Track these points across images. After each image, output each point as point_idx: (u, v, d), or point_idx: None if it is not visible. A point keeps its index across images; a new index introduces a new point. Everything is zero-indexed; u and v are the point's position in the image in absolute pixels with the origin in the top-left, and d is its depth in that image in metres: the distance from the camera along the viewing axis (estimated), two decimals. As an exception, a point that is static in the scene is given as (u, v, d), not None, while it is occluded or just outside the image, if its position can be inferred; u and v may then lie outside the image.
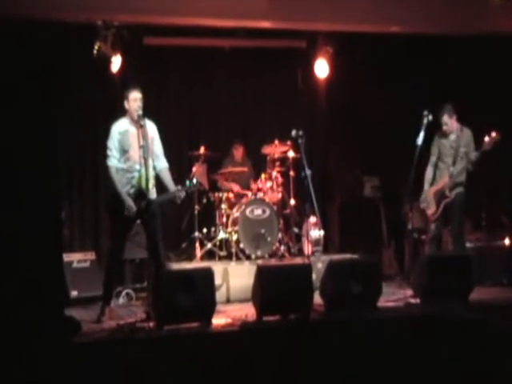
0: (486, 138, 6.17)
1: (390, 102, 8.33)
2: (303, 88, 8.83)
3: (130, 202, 5.46)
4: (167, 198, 5.66)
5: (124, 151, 5.54)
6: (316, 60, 8.43)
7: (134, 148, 5.54)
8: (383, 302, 5.77)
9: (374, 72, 8.50)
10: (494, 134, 6.14)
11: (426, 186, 6.55)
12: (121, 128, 5.61)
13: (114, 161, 5.55)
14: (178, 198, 5.55)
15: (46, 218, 4.68)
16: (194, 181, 5.59)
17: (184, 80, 8.46)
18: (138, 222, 5.77)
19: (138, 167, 5.53)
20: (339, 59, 8.41)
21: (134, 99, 5.58)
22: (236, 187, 7.73)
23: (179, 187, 5.56)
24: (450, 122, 6.46)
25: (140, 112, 5.55)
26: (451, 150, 6.43)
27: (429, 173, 6.54)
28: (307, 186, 6.27)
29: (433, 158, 6.57)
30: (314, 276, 5.71)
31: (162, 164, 5.75)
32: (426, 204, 6.51)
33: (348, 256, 7.20)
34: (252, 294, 5.55)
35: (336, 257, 7.19)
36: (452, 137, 6.51)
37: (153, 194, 5.66)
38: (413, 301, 5.86)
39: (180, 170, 8.04)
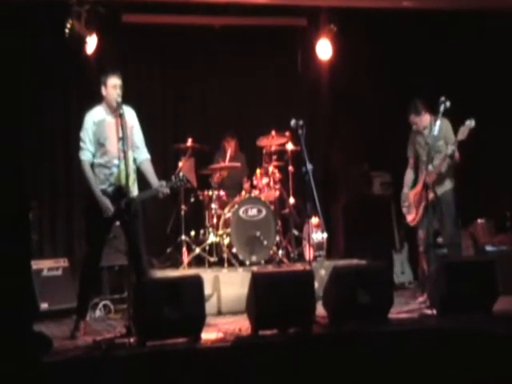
0: (462, 128, 6.21)
1: (401, 87, 8.34)
2: (303, 72, 8.85)
3: (106, 203, 5.42)
4: (149, 194, 5.62)
5: (100, 144, 5.50)
6: (318, 40, 8.43)
7: (112, 140, 5.50)
8: (395, 314, 5.77)
9: (383, 54, 8.50)
10: (468, 122, 6.19)
11: (406, 189, 6.71)
12: (96, 117, 5.56)
13: (87, 154, 5.51)
14: (161, 193, 5.51)
15: (11, 220, 4.64)
16: (181, 175, 5.56)
17: (168, 63, 8.45)
18: (117, 223, 5.75)
19: (116, 162, 5.49)
20: (344, 39, 8.42)
21: (113, 86, 5.54)
22: (223, 193, 7.69)
23: (163, 182, 5.53)
24: (418, 119, 6.58)
25: (119, 100, 5.50)
26: (427, 146, 6.47)
27: (408, 175, 6.70)
28: (308, 182, 6.23)
29: (410, 161, 6.75)
30: (316, 284, 5.69)
31: (143, 155, 5.72)
32: (406, 209, 6.66)
33: (354, 261, 7.20)
34: (246, 304, 5.53)
35: (341, 262, 7.22)
36: (426, 132, 6.58)
37: (134, 191, 5.62)
38: (429, 312, 5.85)
39: (164, 165, 8.05)
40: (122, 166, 5.41)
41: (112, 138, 5.51)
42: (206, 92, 8.62)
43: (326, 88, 8.88)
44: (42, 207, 7.62)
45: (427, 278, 6.31)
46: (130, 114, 5.67)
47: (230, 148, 8.11)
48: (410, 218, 6.63)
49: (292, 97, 8.72)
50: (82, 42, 7.36)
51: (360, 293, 5.47)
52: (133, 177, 5.62)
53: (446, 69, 8.16)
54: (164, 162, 8.12)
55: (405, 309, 6.14)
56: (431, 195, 6.38)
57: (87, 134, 5.52)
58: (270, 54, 8.67)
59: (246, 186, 7.89)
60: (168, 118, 8.53)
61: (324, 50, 8.50)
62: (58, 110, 7.84)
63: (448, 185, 6.48)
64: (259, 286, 5.35)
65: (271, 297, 5.28)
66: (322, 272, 6.83)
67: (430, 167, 6.37)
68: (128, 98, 5.69)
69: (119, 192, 5.49)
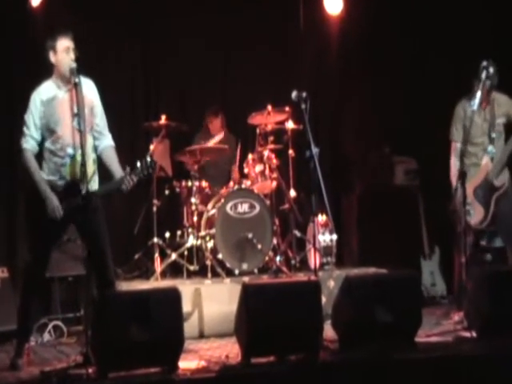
0: None
1: (431, 49, 8.34)
2: (307, 31, 8.83)
3: (53, 203, 5.38)
4: (111, 187, 5.59)
5: (50, 130, 5.46)
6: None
7: (65, 123, 5.47)
8: (423, 337, 5.77)
9: (406, 7, 8.49)
10: None
11: (456, 183, 6.60)
12: (44, 95, 5.51)
13: (31, 142, 5.48)
14: (124, 185, 5.47)
15: None
16: (149, 160, 5.51)
17: (136, 19, 8.38)
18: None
19: (70, 151, 5.45)
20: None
21: (65, 49, 5.49)
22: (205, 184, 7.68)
23: (128, 170, 5.49)
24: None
25: (74, 65, 5.46)
26: (485, 125, 6.49)
27: (455, 165, 6.58)
28: (313, 170, 6.22)
29: (457, 145, 6.64)
30: (323, 299, 5.69)
31: (106, 142, 5.69)
32: (468, 209, 6.53)
33: (372, 270, 7.20)
34: (235, 325, 5.51)
35: (355, 271, 7.23)
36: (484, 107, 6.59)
37: (93, 185, 5.60)
38: (466, 334, 5.85)
39: (132, 148, 8.09)
40: (78, 157, 5.38)
41: (66, 120, 5.47)
42: (183, 56, 8.57)
43: (335, 51, 8.90)
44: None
45: (465, 291, 6.30)
46: (89, 86, 5.63)
47: (214, 127, 8.10)
48: (477, 219, 6.54)
49: (293, 63, 8.72)
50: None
51: (379, 310, 5.45)
52: (92, 168, 5.60)
53: (490, 23, 8.15)
54: (132, 145, 8.14)
55: (436, 330, 6.14)
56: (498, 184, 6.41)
57: (33, 118, 5.48)
58: (265, 8, 8.63)
59: (235, 175, 7.86)
60: (136, 89, 8.51)
61: (333, 2, 8.47)
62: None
63: (506, 173, 6.53)
64: (252, 301, 5.33)
65: (267, 315, 5.26)
66: (331, 283, 6.84)
67: (491, 149, 6.43)
68: (85, 67, 5.60)
69: (72, 187, 5.45)
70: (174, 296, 5.25)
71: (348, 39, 8.79)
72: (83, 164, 5.30)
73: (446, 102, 7.15)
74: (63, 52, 5.48)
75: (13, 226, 7.66)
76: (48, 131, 5.46)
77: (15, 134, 7.24)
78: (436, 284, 8.01)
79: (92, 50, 7.48)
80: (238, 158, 7.99)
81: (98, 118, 5.64)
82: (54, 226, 5.49)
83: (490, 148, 6.50)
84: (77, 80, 5.43)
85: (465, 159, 6.41)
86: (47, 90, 5.52)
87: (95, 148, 5.64)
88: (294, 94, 6.49)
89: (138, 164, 5.49)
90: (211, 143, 7.96)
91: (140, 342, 5.01)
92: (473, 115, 6.36)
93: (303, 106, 6.45)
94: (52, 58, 5.52)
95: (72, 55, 5.49)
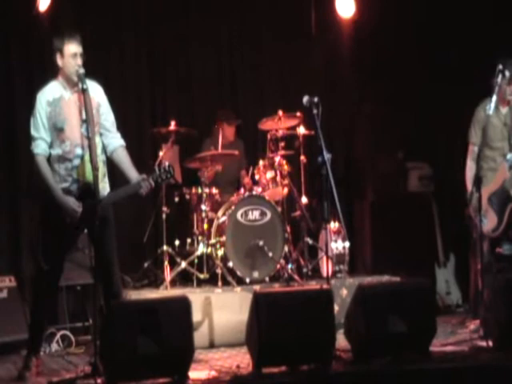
0: None
1: (446, 52, 8.33)
2: (319, 34, 8.84)
3: (70, 204, 5.39)
4: (127, 192, 5.58)
5: (58, 130, 5.48)
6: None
7: (72, 123, 5.49)
8: (438, 346, 5.77)
9: (421, 10, 8.48)
10: None
11: (471, 187, 6.57)
12: (50, 96, 5.53)
13: (42, 146, 5.48)
14: (143, 189, 5.48)
15: None
16: (167, 165, 5.54)
17: (143, 23, 8.40)
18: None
19: (79, 152, 5.48)
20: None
21: (72, 54, 5.51)
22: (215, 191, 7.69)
23: (144, 176, 5.51)
24: (509, 89, 6.48)
25: (81, 71, 5.48)
26: (504, 130, 6.46)
27: (472, 169, 6.56)
28: (326, 176, 6.22)
29: (475, 149, 6.61)
30: (336, 308, 5.70)
31: (115, 141, 5.70)
32: (482, 216, 6.47)
33: (385, 279, 7.20)
34: (246, 334, 5.52)
35: (368, 280, 7.22)
36: (503, 110, 6.56)
37: (104, 188, 5.61)
38: (483, 344, 5.83)
39: (139, 154, 8.01)
40: (87, 157, 5.41)
41: (72, 120, 5.49)
42: (193, 61, 8.59)
43: (347, 55, 8.91)
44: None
45: (481, 299, 6.28)
46: (95, 89, 5.65)
47: (225, 132, 8.08)
48: (490, 227, 6.49)
49: (304, 66, 8.72)
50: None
51: (393, 319, 5.45)
52: (102, 170, 5.60)
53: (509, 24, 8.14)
54: (139, 151, 8.06)
55: (452, 340, 6.13)
56: None
57: (40, 120, 5.49)
58: (276, 12, 8.68)
59: (246, 181, 7.87)
60: (144, 94, 8.49)
61: (345, 5, 8.49)
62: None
63: None
64: (263, 310, 5.33)
65: (278, 324, 5.27)
66: (344, 292, 6.85)
67: (510, 156, 6.40)
68: (92, 71, 5.66)
69: (84, 191, 5.46)
70: (184, 305, 5.25)
71: (361, 43, 8.78)
72: (95, 168, 5.32)
73: (460, 107, 7.17)
74: (70, 57, 5.50)
75: (17, 235, 7.65)
76: (56, 131, 5.46)
77: (16, 141, 7.38)
78: (451, 292, 7.99)
79: (98, 55, 7.50)
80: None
81: (104, 116, 5.64)
82: (69, 233, 5.52)
83: (510, 156, 6.46)
84: (85, 86, 5.45)
85: (482, 163, 6.39)
86: (53, 91, 5.54)
87: (104, 148, 5.65)
88: (305, 99, 6.48)
89: (157, 169, 5.52)
90: (220, 148, 7.94)
91: (149, 352, 5.02)
92: (488, 119, 6.34)
93: (315, 111, 6.44)
94: (59, 60, 5.54)
95: (79, 61, 5.50)
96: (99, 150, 5.57)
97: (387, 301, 5.51)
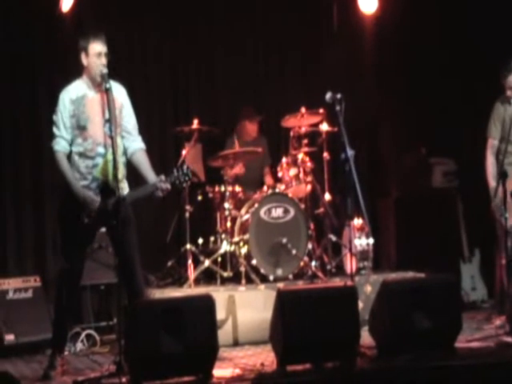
0: None
1: (470, 48, 8.29)
2: (341, 30, 8.84)
3: (88, 195, 5.43)
4: (144, 192, 5.61)
5: (80, 128, 5.52)
6: (360, -11, 8.43)
7: (95, 122, 5.53)
8: (464, 342, 5.76)
9: (445, 5, 8.44)
10: None
11: (494, 182, 6.52)
12: (74, 94, 5.58)
13: (62, 144, 5.54)
14: (160, 190, 5.50)
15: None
16: (185, 168, 5.55)
17: (166, 23, 8.43)
18: (103, 230, 5.75)
19: (101, 150, 5.52)
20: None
21: (97, 54, 5.56)
22: (238, 189, 7.70)
23: (162, 177, 5.52)
24: None
25: (105, 71, 5.52)
26: None
27: (493, 164, 6.51)
28: (349, 173, 6.21)
29: (495, 143, 6.58)
30: (360, 305, 5.70)
31: (136, 144, 5.74)
32: (503, 211, 6.43)
33: (410, 275, 7.17)
34: (270, 332, 5.53)
35: (392, 276, 7.21)
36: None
37: (124, 188, 5.64)
38: (509, 340, 5.83)
39: (162, 154, 8.09)
40: (109, 156, 5.46)
41: (95, 119, 5.54)
42: (215, 59, 8.61)
43: (369, 51, 8.89)
44: (3, 210, 7.63)
45: (507, 294, 6.25)
46: (118, 90, 5.69)
47: (249, 130, 8.09)
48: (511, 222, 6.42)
49: (326, 63, 8.67)
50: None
51: (418, 316, 5.45)
52: (122, 171, 5.64)
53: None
54: (162, 150, 8.14)
55: (477, 336, 6.11)
56: None
57: (62, 118, 5.54)
58: (297, 9, 8.66)
59: (269, 179, 7.87)
60: (167, 93, 8.51)
61: (367, 1, 8.46)
62: (22, 86, 7.81)
63: None
64: (287, 307, 5.35)
65: (303, 322, 5.28)
66: (368, 289, 6.84)
67: None
68: (115, 70, 5.70)
69: (105, 189, 5.50)
70: (207, 304, 5.28)
71: (383, 39, 8.76)
72: (115, 167, 5.37)
73: (484, 101, 7.12)
74: (95, 56, 5.55)
75: (42, 235, 7.70)
76: (78, 129, 5.50)
77: (41, 141, 7.43)
78: (476, 288, 7.94)
79: (121, 54, 7.53)
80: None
81: (127, 118, 5.69)
82: (88, 229, 5.54)
83: None
84: (108, 86, 5.48)
85: (502, 158, 6.35)
86: (77, 89, 5.59)
87: (125, 150, 5.68)
88: (328, 96, 6.45)
89: (175, 171, 5.52)
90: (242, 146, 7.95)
91: (174, 350, 5.04)
92: (506, 113, 6.30)
93: (338, 108, 6.42)
94: (83, 59, 5.59)
95: (104, 60, 5.56)
96: (120, 152, 5.60)
97: (412, 297, 5.51)
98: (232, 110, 8.37)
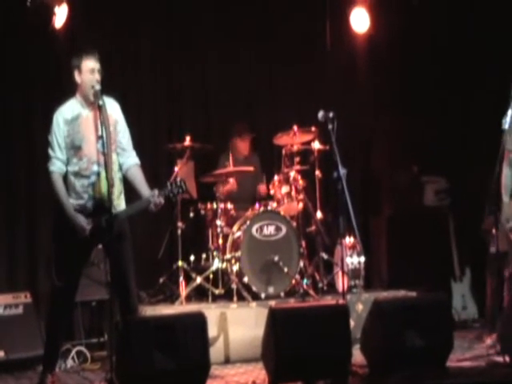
0: None
1: (461, 67, 8.33)
2: (334, 48, 8.86)
3: (79, 221, 5.42)
4: (138, 207, 5.60)
5: (75, 147, 5.50)
6: (352, 8, 8.46)
7: (89, 140, 5.52)
8: (455, 362, 5.76)
9: (434, 24, 8.51)
10: None
11: (506, 197, 6.50)
12: (68, 114, 5.57)
13: (58, 164, 5.53)
14: (153, 204, 5.51)
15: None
16: (178, 181, 5.57)
17: (160, 38, 8.46)
18: (100, 246, 5.75)
19: (95, 169, 5.50)
20: (384, 6, 8.45)
21: (90, 70, 5.56)
22: (230, 206, 7.71)
23: (156, 192, 5.53)
24: None
25: (98, 87, 5.52)
26: None
27: (508, 177, 6.50)
28: (341, 191, 6.23)
29: (511, 156, 6.55)
30: (352, 323, 5.71)
31: (130, 160, 5.73)
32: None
33: (401, 293, 7.18)
34: (262, 350, 5.54)
35: (384, 294, 7.20)
36: None
37: (120, 204, 5.64)
38: (499, 359, 5.80)
39: (155, 170, 8.06)
40: (103, 174, 5.43)
41: (89, 138, 5.53)
42: (208, 75, 8.64)
43: (362, 70, 8.92)
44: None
45: (497, 313, 6.26)
46: (112, 106, 5.69)
47: (240, 148, 8.11)
48: None
49: (319, 82, 8.73)
50: (48, 14, 7.39)
51: (410, 334, 5.46)
52: (119, 188, 5.63)
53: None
54: (155, 166, 8.11)
55: (468, 355, 6.12)
56: None
57: (56, 139, 5.53)
58: (291, 26, 8.70)
59: (261, 196, 7.87)
60: (159, 109, 8.53)
61: (360, 20, 8.52)
62: (16, 104, 7.81)
63: None
64: (279, 325, 5.35)
65: (294, 340, 5.29)
66: (360, 307, 6.84)
67: None
68: (108, 85, 5.69)
69: (101, 207, 5.49)
70: (200, 321, 5.28)
71: (375, 57, 8.79)
72: (111, 184, 5.37)
73: (476, 120, 7.15)
74: (88, 72, 5.54)
75: (34, 251, 7.68)
76: (73, 149, 5.49)
77: (34, 158, 7.43)
78: (467, 307, 7.95)
79: (113, 70, 7.55)
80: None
81: (121, 134, 5.67)
82: (82, 247, 5.52)
83: None
84: (101, 102, 5.48)
85: None
86: (71, 109, 5.57)
87: (120, 166, 5.67)
88: (320, 114, 6.49)
89: (168, 184, 5.54)
90: (233, 164, 7.97)
91: (166, 367, 5.05)
92: (505, 135, 6.30)
93: (330, 127, 6.45)
94: (77, 77, 5.59)
95: (97, 76, 5.55)
96: (116, 168, 5.60)
97: (404, 316, 5.53)
98: (224, 126, 8.37)
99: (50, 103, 5.90)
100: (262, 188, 8.04)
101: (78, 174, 5.51)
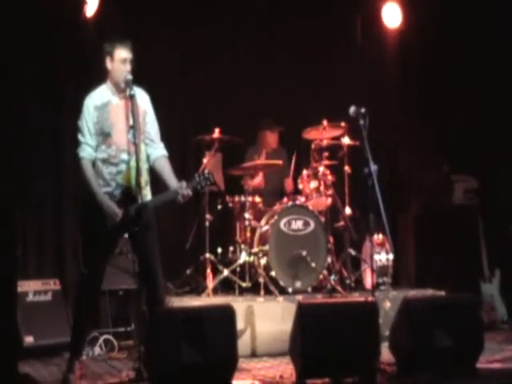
0: None
1: (493, 65, 8.28)
2: (364, 44, 8.88)
3: (112, 207, 5.44)
4: (166, 198, 5.62)
5: (104, 134, 5.52)
6: (384, 3, 8.43)
7: (119, 128, 5.54)
8: (485, 363, 5.73)
9: (469, 20, 8.46)
10: None
11: None
12: (98, 101, 5.59)
13: (88, 150, 5.54)
14: (181, 196, 5.52)
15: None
16: (206, 173, 5.59)
17: (190, 30, 8.45)
18: (125, 236, 5.76)
19: (125, 157, 5.52)
20: (418, 1, 8.46)
21: (122, 60, 5.58)
22: (258, 200, 7.73)
23: (184, 183, 5.54)
24: None
25: (129, 77, 5.54)
26: None
27: None
28: (372, 187, 6.22)
29: None
30: (379, 320, 5.65)
31: (158, 151, 5.75)
32: None
33: (429, 292, 7.18)
34: (290, 345, 5.53)
35: (412, 293, 7.20)
36: None
37: (146, 195, 5.64)
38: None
39: (183, 162, 8.11)
40: (133, 163, 5.45)
41: (119, 125, 5.54)
42: (237, 69, 8.62)
43: (393, 65, 8.92)
44: (25, 215, 7.56)
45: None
46: (142, 97, 5.70)
47: (269, 141, 8.11)
48: None
49: (349, 77, 8.71)
50: (79, 2, 7.39)
51: (439, 334, 5.45)
52: (145, 178, 5.65)
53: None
54: (182, 159, 8.15)
55: (498, 356, 6.09)
56: None
57: (86, 124, 5.54)
58: (322, 21, 8.68)
59: (289, 190, 7.88)
60: (188, 101, 8.53)
61: (392, 15, 8.50)
62: (44, 91, 7.82)
63: None
64: (307, 321, 5.34)
65: (323, 336, 5.27)
66: (387, 305, 6.86)
67: None
68: (137, 76, 5.68)
69: (128, 195, 5.51)
70: (228, 314, 5.28)
71: (407, 53, 8.77)
72: (138, 173, 5.39)
73: (507, 120, 7.11)
74: (120, 62, 5.56)
75: (62, 238, 7.73)
76: (102, 135, 5.50)
77: (62, 146, 7.47)
78: (496, 308, 7.92)
79: (143, 61, 7.56)
80: (292, 170, 8.04)
81: (150, 125, 5.69)
82: (110, 236, 5.55)
83: None
84: (132, 92, 5.50)
85: None
86: (101, 95, 5.59)
87: (148, 157, 5.69)
88: (352, 110, 6.45)
89: (196, 176, 5.55)
90: (263, 157, 7.97)
91: (193, 359, 5.05)
92: None
93: (361, 122, 6.42)
94: (108, 64, 5.60)
95: (128, 66, 5.56)
96: (144, 158, 5.62)
97: (433, 315, 5.51)
98: (253, 120, 8.36)
99: (78, 91, 5.90)
100: (289, 184, 8.05)
101: (106, 161, 5.52)
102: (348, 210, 7.76)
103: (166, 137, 5.91)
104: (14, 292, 5.42)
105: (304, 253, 7.21)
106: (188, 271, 7.59)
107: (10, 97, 7.40)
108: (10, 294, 5.16)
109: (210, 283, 7.24)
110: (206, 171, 5.62)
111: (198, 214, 7.65)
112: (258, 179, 7.85)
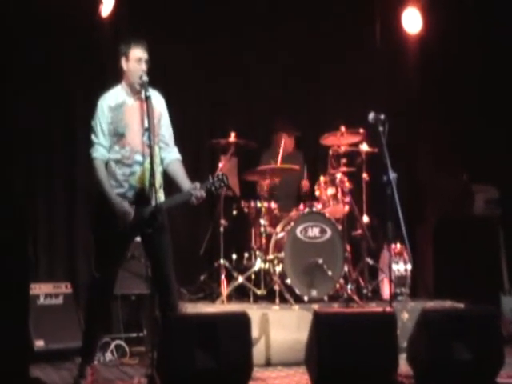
0: None
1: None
2: (383, 49, 8.85)
3: (123, 206, 5.43)
4: (179, 200, 5.59)
5: (118, 135, 5.52)
6: (404, 8, 8.42)
7: (133, 129, 5.53)
8: (505, 378, 5.68)
9: (489, 26, 8.43)
10: None
11: None
12: (113, 101, 5.58)
13: (101, 151, 5.53)
14: (194, 197, 5.48)
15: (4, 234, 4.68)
16: (220, 175, 5.56)
17: (205, 32, 8.42)
18: (137, 239, 5.75)
19: (139, 158, 5.51)
20: (438, 7, 8.38)
21: (137, 59, 5.57)
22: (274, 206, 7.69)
23: (197, 185, 5.51)
24: None
25: (145, 78, 5.53)
26: None
27: None
28: (391, 195, 6.19)
29: None
30: (397, 331, 5.61)
31: (172, 155, 5.74)
32: None
33: (448, 304, 7.14)
34: (305, 354, 5.51)
35: (431, 304, 7.16)
36: None
37: (160, 197, 5.61)
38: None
39: (198, 166, 8.09)
40: (147, 165, 5.45)
41: (134, 127, 5.53)
42: (253, 71, 8.60)
43: (412, 70, 8.89)
44: (36, 216, 7.62)
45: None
46: (158, 99, 5.70)
47: (286, 144, 8.08)
48: None
49: (369, 82, 8.71)
50: (94, 2, 7.41)
51: (458, 347, 5.40)
52: (159, 181, 5.64)
53: None
54: (197, 162, 8.13)
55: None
56: None
57: (100, 125, 5.54)
58: (340, 26, 8.68)
59: (305, 191, 7.87)
60: (203, 104, 8.53)
61: (412, 20, 8.49)
62: (58, 93, 7.83)
63: None
64: (323, 330, 5.33)
65: (339, 346, 5.26)
66: (405, 316, 6.82)
67: None
68: (152, 78, 5.66)
69: (141, 197, 5.49)
70: (243, 321, 5.27)
71: (426, 59, 8.76)
72: (153, 175, 5.38)
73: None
74: (135, 61, 5.56)
75: (73, 241, 7.72)
76: (116, 136, 5.50)
77: (75, 147, 7.46)
78: (518, 321, 7.89)
79: (157, 64, 7.55)
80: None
81: (164, 128, 5.69)
82: (122, 239, 5.54)
83: None
84: (148, 94, 5.49)
85: None
86: (115, 96, 5.59)
87: (161, 160, 5.68)
88: (371, 116, 6.45)
89: (210, 178, 5.53)
90: (279, 162, 7.95)
91: (207, 367, 5.04)
92: None
93: (381, 129, 6.41)
94: (123, 64, 5.60)
95: (144, 66, 5.56)
96: (158, 161, 5.61)
97: (452, 327, 5.48)
98: (269, 124, 8.34)
99: (91, 92, 5.90)
100: (305, 184, 8.01)
101: (119, 162, 5.51)
102: (366, 218, 7.74)
103: (181, 140, 5.92)
104: (26, 296, 5.41)
105: (320, 261, 7.17)
106: (202, 277, 7.56)
107: (22, 97, 7.41)
108: (22, 297, 5.14)
109: (225, 290, 7.20)
110: (221, 173, 5.61)
111: (213, 220, 7.63)
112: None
